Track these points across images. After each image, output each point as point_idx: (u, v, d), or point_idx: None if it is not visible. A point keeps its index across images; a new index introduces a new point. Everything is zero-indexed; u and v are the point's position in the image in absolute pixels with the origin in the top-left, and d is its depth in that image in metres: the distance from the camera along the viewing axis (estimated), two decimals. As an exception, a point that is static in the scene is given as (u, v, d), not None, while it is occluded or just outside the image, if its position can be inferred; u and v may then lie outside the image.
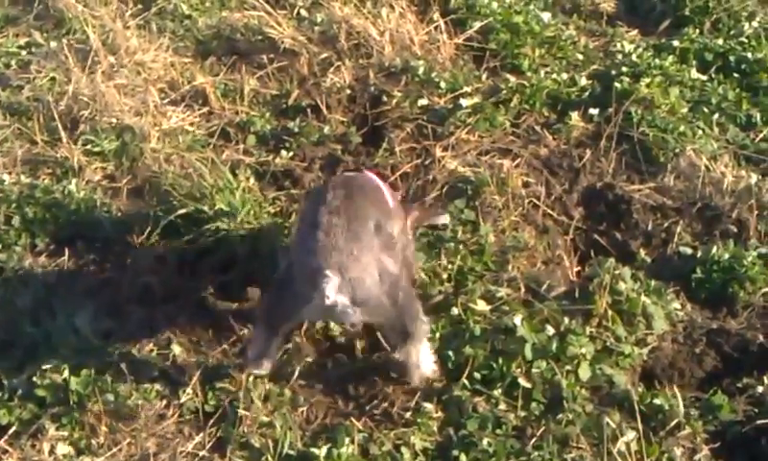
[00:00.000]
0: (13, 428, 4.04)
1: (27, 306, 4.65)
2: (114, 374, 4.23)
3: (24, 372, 4.26)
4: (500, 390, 4.19)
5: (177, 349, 4.39)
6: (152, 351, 4.41)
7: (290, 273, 4.07)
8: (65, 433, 4.03)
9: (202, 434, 4.05)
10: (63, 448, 3.97)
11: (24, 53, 6.51)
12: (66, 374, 4.18)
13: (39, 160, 5.59)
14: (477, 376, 4.23)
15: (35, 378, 4.17)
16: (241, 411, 4.06)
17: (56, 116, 5.74)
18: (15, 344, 4.46)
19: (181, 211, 4.99)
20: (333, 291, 3.81)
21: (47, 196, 5.22)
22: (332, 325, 4.42)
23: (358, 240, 3.95)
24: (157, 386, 4.22)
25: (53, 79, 6.13)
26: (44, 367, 4.22)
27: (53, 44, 6.45)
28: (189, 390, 4.18)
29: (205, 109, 6.01)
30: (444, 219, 4.90)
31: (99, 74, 6.08)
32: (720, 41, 6.52)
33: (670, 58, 6.34)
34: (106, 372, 4.24)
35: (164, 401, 4.17)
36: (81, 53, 6.27)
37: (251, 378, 4.16)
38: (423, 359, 4.21)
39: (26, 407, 4.10)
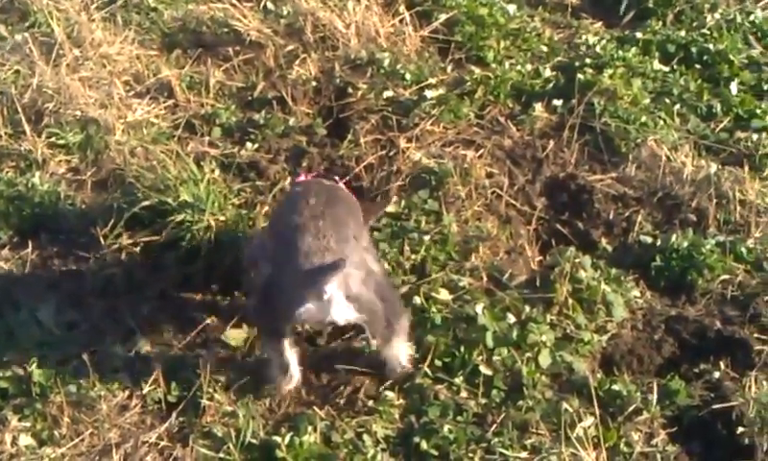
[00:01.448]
0: (-24, 420, 4.05)
1: (-10, 299, 4.65)
2: (77, 365, 4.25)
3: (-14, 363, 4.27)
4: (461, 378, 4.24)
5: (140, 340, 4.40)
6: (115, 342, 4.42)
7: (278, 280, 4.07)
8: (27, 424, 4.04)
9: (164, 424, 4.06)
10: (26, 440, 3.98)
11: (-12, 46, 6.48)
12: (29, 365, 4.19)
13: (3, 153, 5.57)
14: (439, 363, 4.28)
15: (-4, 370, 4.18)
16: (204, 401, 4.09)
17: (19, 109, 5.72)
18: (-22, 336, 4.46)
19: (146, 203, 4.99)
20: (333, 288, 3.85)
21: (10, 189, 5.21)
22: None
23: (345, 242, 4.03)
24: (120, 377, 4.24)
25: (17, 71, 6.10)
26: (6, 359, 4.23)
27: (17, 37, 6.40)
28: (152, 381, 4.20)
29: (171, 102, 6.00)
30: (392, 205, 4.96)
31: (64, 67, 6.06)
32: (682, 33, 6.58)
33: (633, 49, 6.39)
34: (68, 363, 4.26)
35: (127, 392, 4.19)
36: (45, 46, 6.25)
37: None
38: (403, 355, 4.25)
39: (-12, 399, 4.11)
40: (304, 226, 4.02)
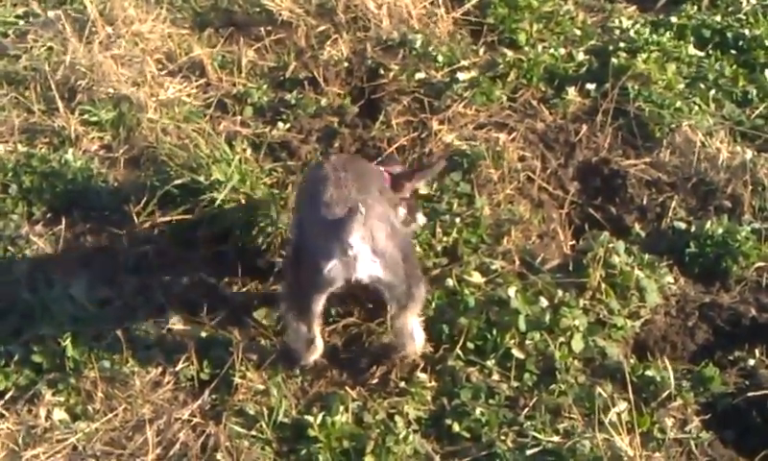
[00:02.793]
0: (10, 394, 4.08)
1: (23, 274, 4.67)
2: (110, 341, 4.27)
3: (20, 338, 4.30)
4: (494, 361, 4.23)
5: (173, 317, 4.42)
6: (147, 319, 4.44)
7: (303, 239, 4.08)
8: (61, 399, 4.07)
9: (197, 402, 4.08)
10: (59, 414, 4.01)
11: (21, 22, 6.51)
12: (62, 341, 4.21)
13: (36, 130, 5.60)
14: (471, 346, 4.27)
15: (31, 345, 4.22)
16: (236, 379, 4.09)
17: (53, 86, 5.75)
18: (12, 311, 4.49)
19: (178, 182, 5.00)
20: (358, 240, 3.82)
21: (44, 165, 5.24)
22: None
23: (368, 192, 4.01)
24: (153, 354, 4.26)
25: (50, 48, 6.13)
26: (41, 334, 4.26)
27: (50, 14, 6.44)
28: (185, 358, 4.21)
29: (203, 81, 6.01)
30: (439, 166, 4.88)
31: (96, 44, 6.08)
32: (718, 18, 6.51)
33: (668, 34, 6.33)
34: (102, 339, 4.29)
35: (160, 369, 4.20)
36: (78, 23, 6.27)
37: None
38: (416, 331, 4.23)
39: (22, 373, 4.14)
40: (326, 177, 4.03)
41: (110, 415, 4.01)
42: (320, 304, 4.10)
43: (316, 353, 4.20)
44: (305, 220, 4.15)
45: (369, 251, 3.89)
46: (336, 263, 3.89)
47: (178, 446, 3.89)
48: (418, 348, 4.24)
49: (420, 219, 4.74)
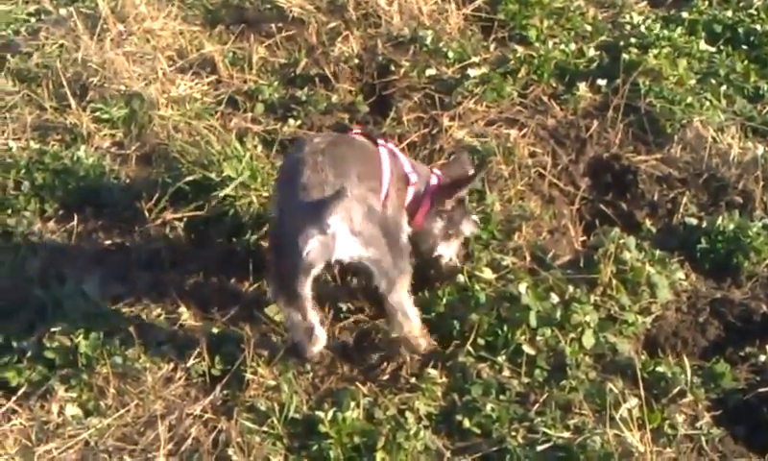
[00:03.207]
0: (23, 389, 4.10)
1: (36, 271, 4.70)
2: (122, 337, 4.28)
3: (33, 335, 4.31)
4: (504, 357, 4.23)
5: (184, 313, 4.44)
6: (159, 315, 4.46)
7: (282, 224, 4.09)
8: (74, 395, 4.08)
9: (209, 397, 4.09)
10: (72, 410, 4.03)
11: (33, 20, 6.54)
12: (75, 337, 4.23)
13: (49, 127, 5.63)
14: (482, 342, 4.28)
15: (44, 341, 4.23)
16: (248, 375, 4.11)
17: (65, 83, 5.77)
18: (25, 307, 4.50)
19: (189, 178, 5.01)
20: (336, 221, 3.84)
21: (56, 162, 5.26)
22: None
23: (345, 177, 3.98)
24: (165, 350, 4.27)
25: (62, 46, 6.16)
26: (53, 330, 4.27)
27: (62, 11, 6.47)
28: (196, 354, 4.22)
29: (214, 78, 6.03)
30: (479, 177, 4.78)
31: (108, 41, 6.11)
32: (729, 13, 6.50)
33: (678, 29, 6.33)
34: (114, 335, 4.29)
35: (171, 365, 4.22)
36: (90, 20, 6.30)
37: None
38: (410, 308, 4.20)
39: (35, 369, 4.16)
40: (303, 160, 4.02)
41: (123, 410, 4.03)
42: (305, 288, 4.06)
43: (319, 344, 4.17)
44: (283, 203, 4.14)
45: (347, 230, 3.90)
46: (315, 244, 3.91)
47: (189, 441, 3.91)
48: (414, 327, 4.21)
49: (467, 229, 4.61)
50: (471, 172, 4.63)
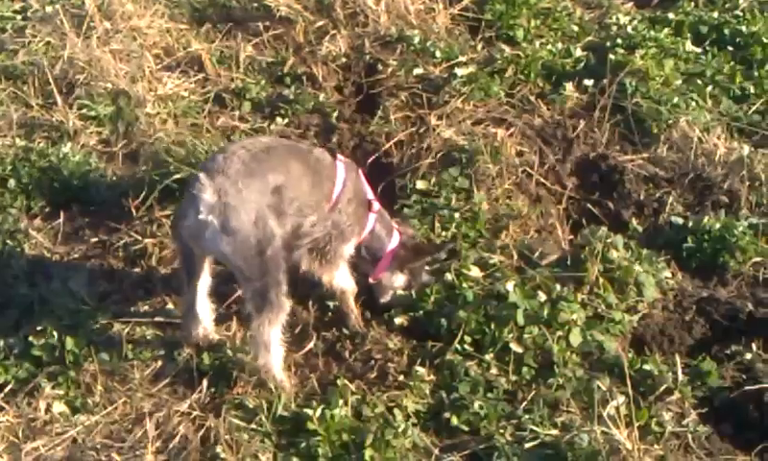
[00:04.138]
0: (9, 387, 4.09)
1: (22, 268, 4.68)
2: (109, 335, 4.27)
3: (20, 332, 4.30)
4: (492, 354, 4.24)
5: (171, 311, 4.42)
6: (146, 313, 4.44)
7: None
8: (61, 392, 4.07)
9: (196, 394, 4.08)
10: (59, 407, 4.01)
11: (19, 17, 6.51)
12: (62, 334, 4.21)
13: (35, 124, 5.61)
14: (469, 340, 4.29)
15: (31, 339, 4.21)
16: (235, 372, 4.10)
17: (51, 81, 5.75)
18: (11, 305, 4.50)
19: (176, 176, 5.00)
20: (206, 207, 3.85)
21: (42, 159, 5.24)
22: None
23: (251, 177, 3.96)
24: (152, 347, 4.26)
25: (48, 43, 6.14)
26: (40, 327, 4.25)
27: (48, 9, 6.45)
28: (184, 351, 4.21)
29: (201, 76, 6.02)
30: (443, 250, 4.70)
31: (94, 39, 6.09)
32: (715, 14, 6.55)
33: (665, 30, 6.37)
34: (101, 333, 4.28)
35: (159, 362, 4.21)
36: (76, 18, 6.28)
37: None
38: (274, 346, 4.07)
39: (22, 366, 4.15)
40: (223, 149, 4.09)
41: (110, 408, 4.02)
42: (192, 267, 4.11)
43: (197, 327, 4.20)
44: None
45: (218, 224, 3.88)
46: (189, 222, 3.93)
47: (177, 439, 3.90)
48: (272, 365, 4.07)
49: (423, 280, 4.58)
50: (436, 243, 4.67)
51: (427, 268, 4.61)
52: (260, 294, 3.99)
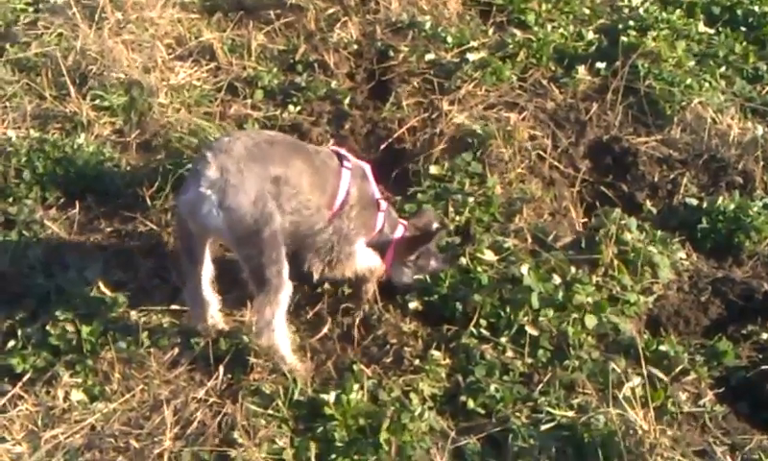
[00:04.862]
0: (28, 375, 4.10)
1: (39, 259, 4.69)
2: (126, 323, 4.29)
3: (37, 322, 4.32)
4: (507, 338, 4.25)
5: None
6: (162, 301, 4.46)
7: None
8: (79, 380, 4.08)
9: (213, 381, 4.10)
10: (77, 395, 4.03)
11: (31, 9, 6.52)
12: (78, 323, 4.23)
13: (49, 115, 5.62)
14: (484, 323, 4.29)
15: (48, 328, 4.23)
16: (252, 358, 4.11)
17: (64, 72, 5.76)
18: (28, 295, 4.51)
19: (190, 165, 5.00)
20: (207, 182, 3.89)
21: (57, 150, 5.25)
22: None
23: (254, 161, 3.99)
24: (169, 334, 4.27)
25: (60, 35, 6.14)
26: (57, 317, 4.27)
27: (60, 1, 6.45)
28: (200, 338, 4.23)
29: (213, 65, 6.03)
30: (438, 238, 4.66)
31: (106, 30, 6.10)
32: (728, -5, 6.53)
33: (677, 11, 6.35)
34: (118, 321, 4.30)
35: (176, 349, 4.22)
36: (88, 9, 6.29)
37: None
38: (279, 329, 4.09)
39: (40, 355, 4.16)
40: (234, 132, 4.09)
41: (128, 395, 4.04)
42: (193, 254, 4.13)
43: (206, 313, 4.22)
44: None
45: (215, 200, 3.91)
46: (189, 196, 3.96)
47: (195, 425, 3.91)
48: (278, 346, 4.09)
49: (436, 267, 4.57)
50: (435, 226, 4.63)
51: (439, 255, 4.60)
52: (258, 273, 4.01)
